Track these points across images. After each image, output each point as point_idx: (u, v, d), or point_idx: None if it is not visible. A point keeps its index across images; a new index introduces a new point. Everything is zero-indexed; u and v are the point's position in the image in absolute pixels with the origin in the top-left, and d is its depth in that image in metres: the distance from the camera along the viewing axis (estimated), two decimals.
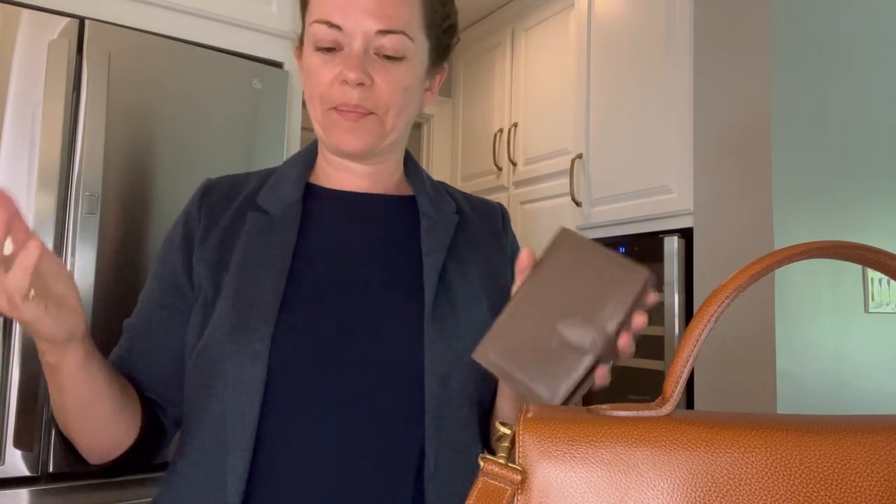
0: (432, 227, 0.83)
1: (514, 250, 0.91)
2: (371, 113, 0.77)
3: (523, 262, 0.62)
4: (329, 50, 0.76)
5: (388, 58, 0.76)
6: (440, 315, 0.76)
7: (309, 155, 0.87)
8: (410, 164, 0.90)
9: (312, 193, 0.84)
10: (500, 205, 0.95)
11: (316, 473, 0.70)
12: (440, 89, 0.91)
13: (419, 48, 0.79)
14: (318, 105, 0.78)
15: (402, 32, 0.76)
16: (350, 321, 0.74)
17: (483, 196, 0.97)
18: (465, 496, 0.71)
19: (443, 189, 0.91)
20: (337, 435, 0.71)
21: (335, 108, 0.77)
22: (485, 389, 0.78)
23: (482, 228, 0.89)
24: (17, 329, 1.42)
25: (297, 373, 0.72)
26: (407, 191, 0.88)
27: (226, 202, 0.82)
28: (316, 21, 0.76)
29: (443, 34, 0.84)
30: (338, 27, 0.75)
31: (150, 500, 0.80)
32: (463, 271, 0.81)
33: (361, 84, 0.75)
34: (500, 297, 0.83)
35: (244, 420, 0.69)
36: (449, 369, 0.73)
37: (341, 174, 0.85)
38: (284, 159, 1.87)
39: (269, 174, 0.86)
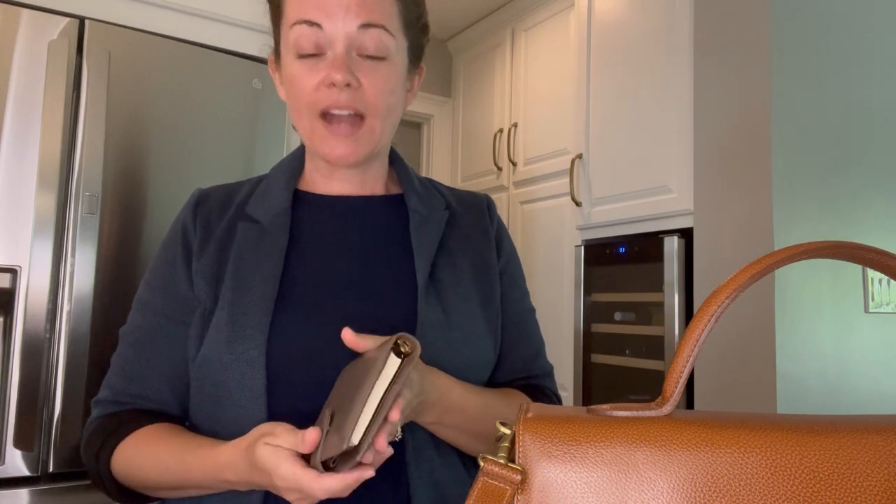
0: (422, 222, 0.83)
1: (501, 236, 0.91)
2: (361, 117, 0.76)
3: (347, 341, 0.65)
4: (312, 56, 0.76)
5: (371, 58, 0.76)
6: (431, 305, 0.77)
7: (296, 160, 0.87)
8: (397, 162, 0.90)
9: (301, 200, 0.84)
10: (485, 195, 0.95)
11: None
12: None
13: (399, 47, 0.79)
14: (305, 113, 0.78)
15: (383, 27, 0.76)
16: (342, 319, 0.74)
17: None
18: (443, 477, 0.73)
19: (430, 185, 0.91)
20: None
21: (323, 117, 0.76)
22: (471, 379, 0.78)
23: (470, 221, 0.89)
24: (17, 329, 1.43)
25: (296, 375, 0.73)
26: (395, 189, 0.89)
27: (220, 212, 0.82)
28: (294, 23, 0.76)
29: (419, 32, 0.84)
30: (318, 25, 0.74)
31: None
32: (453, 265, 0.82)
33: (349, 85, 0.74)
34: (490, 289, 0.85)
35: (255, 423, 0.69)
36: (438, 358, 0.74)
37: (329, 180, 0.85)
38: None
39: (259, 181, 0.87)
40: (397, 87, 0.80)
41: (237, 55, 1.79)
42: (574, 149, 2.40)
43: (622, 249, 2.12)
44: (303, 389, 0.72)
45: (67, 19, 1.53)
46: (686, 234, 1.91)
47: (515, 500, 0.44)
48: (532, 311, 0.93)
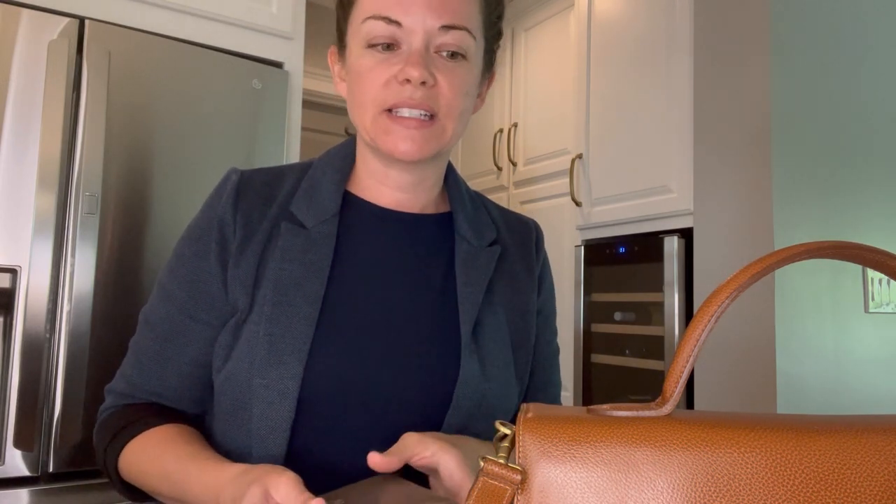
0: (472, 256, 0.79)
1: (544, 272, 0.89)
2: (432, 116, 0.72)
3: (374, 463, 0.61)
4: (386, 47, 0.71)
5: (450, 56, 0.72)
6: (471, 355, 0.75)
7: (347, 158, 0.82)
8: (451, 175, 0.86)
9: (349, 204, 0.79)
10: (535, 224, 0.91)
11: None
12: None
13: (478, 49, 0.75)
14: (370, 108, 0.73)
15: (466, 29, 0.72)
16: (381, 357, 0.73)
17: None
18: None
19: (481, 205, 0.87)
20: (359, 467, 0.70)
21: (389, 113, 0.72)
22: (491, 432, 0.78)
23: (517, 256, 0.85)
24: (17, 329, 1.43)
25: (323, 413, 0.70)
26: (445, 206, 0.85)
27: (262, 208, 0.76)
28: (370, 17, 0.71)
29: (493, 37, 0.80)
30: (397, 23, 0.70)
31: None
32: (494, 305, 0.79)
33: (424, 83, 0.70)
34: (525, 332, 0.82)
35: (271, 457, 0.68)
36: (471, 410, 0.73)
37: (381, 186, 0.80)
38: (284, 159, 1.88)
39: (304, 170, 0.81)
40: (472, 91, 0.76)
41: (237, 55, 1.79)
42: (574, 149, 2.40)
43: (622, 249, 2.12)
44: (326, 428, 0.70)
45: (67, 19, 1.53)
46: (686, 234, 1.91)
47: (515, 500, 0.44)
48: (557, 351, 0.91)
